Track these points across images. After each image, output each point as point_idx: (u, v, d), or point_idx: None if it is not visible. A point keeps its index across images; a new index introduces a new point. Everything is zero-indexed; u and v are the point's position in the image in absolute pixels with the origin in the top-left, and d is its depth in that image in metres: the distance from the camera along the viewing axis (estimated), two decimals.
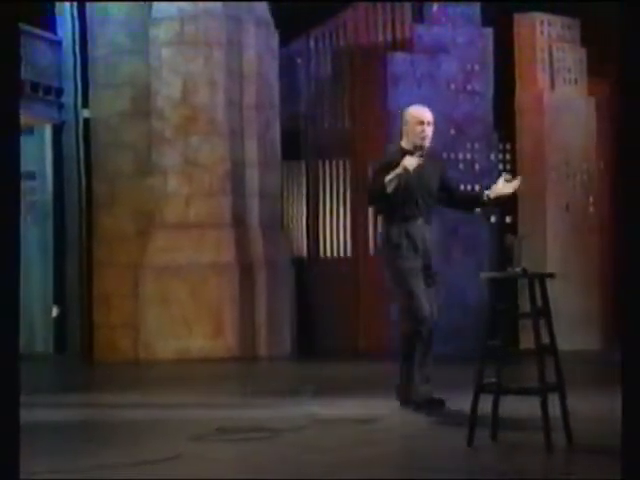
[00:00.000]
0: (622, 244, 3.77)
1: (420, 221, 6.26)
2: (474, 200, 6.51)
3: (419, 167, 6.01)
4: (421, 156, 6.02)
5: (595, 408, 6.12)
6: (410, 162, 5.96)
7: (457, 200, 6.53)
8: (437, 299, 6.34)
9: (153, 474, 4.43)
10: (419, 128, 6.15)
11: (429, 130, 6.18)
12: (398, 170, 5.93)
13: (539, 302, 4.87)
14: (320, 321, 11.43)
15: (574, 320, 10.73)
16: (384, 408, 6.43)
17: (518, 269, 4.91)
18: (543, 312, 4.85)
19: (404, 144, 6.19)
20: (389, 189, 5.94)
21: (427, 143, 6.18)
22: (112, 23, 10.63)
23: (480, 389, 4.85)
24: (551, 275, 4.95)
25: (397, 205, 6.08)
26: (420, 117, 6.18)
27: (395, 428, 5.63)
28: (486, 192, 6.19)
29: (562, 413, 4.87)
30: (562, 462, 4.69)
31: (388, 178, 5.93)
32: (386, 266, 6.25)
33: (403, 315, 6.35)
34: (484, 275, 4.99)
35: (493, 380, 4.89)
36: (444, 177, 6.42)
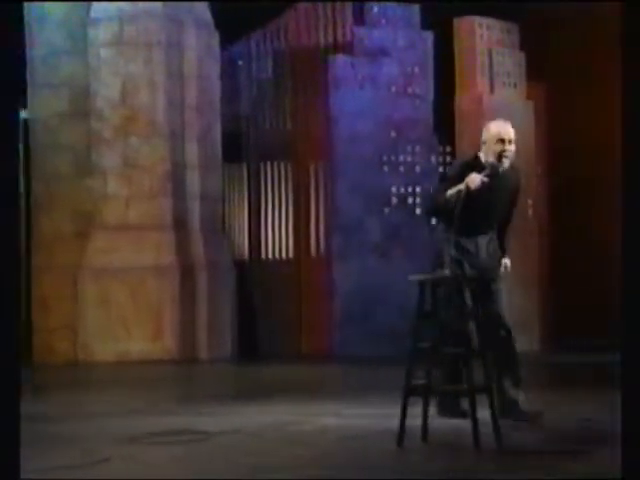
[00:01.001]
0: (622, 245, 3.77)
1: (482, 237, 5.80)
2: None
3: (494, 181, 5.62)
4: (490, 175, 5.58)
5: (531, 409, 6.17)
6: (474, 180, 5.49)
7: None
8: (499, 308, 5.86)
9: (84, 477, 4.41)
10: (499, 147, 5.66)
11: (510, 149, 5.69)
12: (461, 186, 5.51)
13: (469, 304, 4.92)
14: (262, 323, 11.43)
15: (514, 322, 10.78)
16: (319, 410, 6.46)
17: (447, 271, 4.95)
18: (471, 314, 4.89)
19: (481, 157, 5.76)
20: (450, 205, 5.53)
21: (507, 164, 5.69)
22: (50, 23, 10.54)
23: (409, 391, 4.89)
24: (474, 279, 4.99)
25: (459, 219, 5.52)
26: (500, 134, 5.69)
27: (329, 430, 5.65)
28: (503, 261, 5.91)
29: (490, 414, 4.92)
30: (489, 463, 4.73)
31: (450, 193, 5.54)
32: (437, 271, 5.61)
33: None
34: (412, 278, 5.02)
35: (422, 382, 4.93)
36: (516, 193, 5.92)
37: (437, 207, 5.72)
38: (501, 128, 5.75)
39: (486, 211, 5.77)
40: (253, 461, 4.77)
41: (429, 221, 6.14)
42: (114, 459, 4.78)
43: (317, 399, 7.08)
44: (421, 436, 4.98)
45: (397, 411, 4.99)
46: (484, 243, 5.84)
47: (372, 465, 4.66)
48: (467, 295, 4.86)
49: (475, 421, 4.77)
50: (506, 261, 5.96)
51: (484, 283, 5.75)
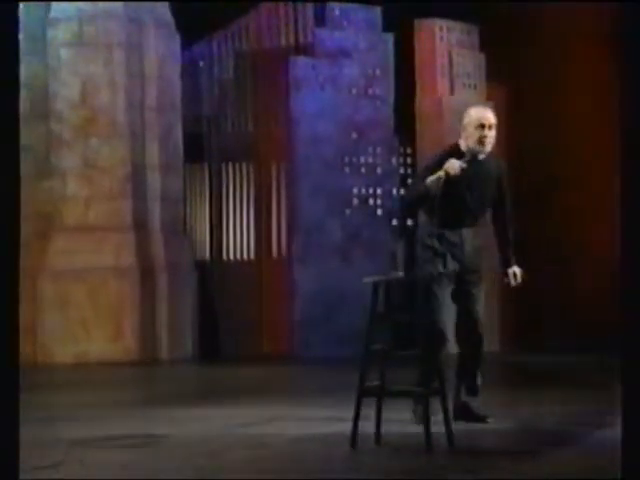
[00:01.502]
0: (621, 245, 3.76)
1: (466, 230, 5.74)
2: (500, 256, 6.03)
3: (475, 168, 5.58)
4: (469, 161, 5.54)
5: (488, 409, 6.21)
6: (453, 166, 5.43)
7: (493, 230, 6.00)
8: (478, 303, 5.88)
9: None
10: (478, 132, 5.61)
11: (491, 134, 5.66)
12: (440, 173, 5.45)
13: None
14: (223, 324, 11.42)
15: None
16: (276, 411, 6.47)
17: (400, 273, 4.97)
18: (423, 315, 4.92)
19: (461, 144, 5.67)
20: (431, 192, 5.50)
21: (488, 149, 5.66)
22: None
23: (363, 392, 4.90)
24: (431, 278, 5.01)
25: (438, 209, 5.57)
26: (480, 120, 5.63)
27: (284, 432, 5.65)
28: (509, 270, 5.93)
29: (443, 415, 4.94)
30: (441, 464, 4.75)
31: (431, 179, 5.48)
32: (420, 274, 5.59)
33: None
34: (366, 279, 5.04)
35: (376, 383, 4.94)
36: (501, 183, 5.84)
37: (418, 196, 5.61)
38: (481, 113, 5.71)
39: (469, 201, 5.68)
40: (204, 463, 4.77)
41: (411, 216, 5.97)
42: (65, 463, 4.76)
43: (275, 401, 7.09)
44: (374, 438, 5.00)
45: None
46: (469, 237, 5.77)
47: (324, 467, 4.67)
48: (430, 295, 4.87)
49: (427, 423, 4.79)
50: (515, 270, 5.92)
51: (464, 281, 5.76)
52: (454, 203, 5.60)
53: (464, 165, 5.49)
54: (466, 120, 5.66)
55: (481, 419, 5.70)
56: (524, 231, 11.85)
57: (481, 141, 5.61)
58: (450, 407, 5.23)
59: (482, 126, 5.62)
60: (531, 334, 11.57)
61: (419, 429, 4.95)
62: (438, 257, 5.66)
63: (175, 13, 10.90)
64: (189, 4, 10.74)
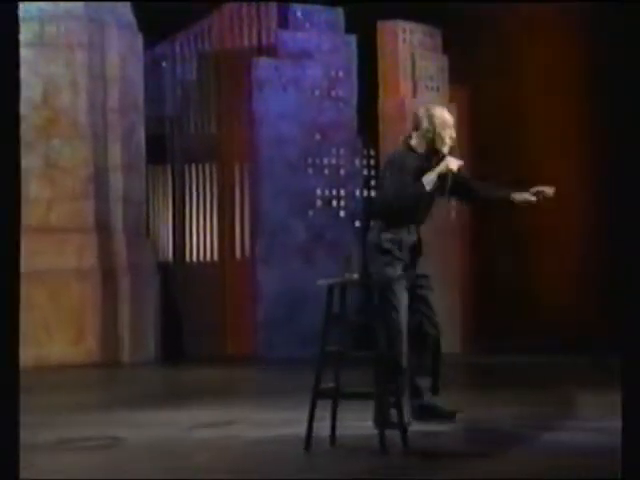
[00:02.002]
0: (620, 245, 3.76)
1: (413, 227, 5.76)
2: (499, 198, 6.06)
3: (430, 165, 5.62)
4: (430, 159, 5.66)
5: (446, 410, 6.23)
6: (453, 163, 5.56)
7: (481, 196, 6.00)
8: (433, 304, 5.92)
9: None
10: (448, 132, 5.67)
11: (454, 134, 5.75)
12: (441, 169, 5.54)
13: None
14: (187, 326, 11.40)
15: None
16: (237, 413, 6.47)
17: (355, 275, 4.99)
18: (378, 317, 4.93)
19: (417, 145, 5.71)
20: (428, 188, 5.55)
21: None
22: None
23: (318, 394, 4.91)
24: (388, 282, 5.02)
25: (400, 209, 5.63)
26: (448, 119, 5.70)
27: (243, 433, 5.66)
28: (513, 195, 5.89)
29: (398, 417, 4.96)
30: (396, 464, 4.77)
31: (430, 177, 5.54)
32: (373, 273, 5.65)
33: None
34: (320, 282, 5.05)
35: (331, 385, 4.95)
36: (457, 177, 5.84)
37: (417, 196, 5.62)
38: (446, 113, 5.75)
39: (427, 199, 5.75)
40: (163, 466, 4.77)
41: (393, 218, 5.87)
42: (21, 467, 4.74)
43: (235, 403, 7.10)
44: (330, 440, 5.01)
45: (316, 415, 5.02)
46: (414, 232, 5.81)
47: (279, 469, 4.68)
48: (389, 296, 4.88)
49: (381, 424, 4.80)
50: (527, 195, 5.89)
51: (419, 284, 5.79)
52: (418, 202, 5.66)
53: (461, 162, 5.60)
54: (435, 121, 5.66)
55: (451, 415, 5.73)
56: (486, 232, 11.95)
57: (449, 140, 5.66)
58: (406, 408, 5.25)
59: (449, 126, 5.69)
60: (493, 335, 11.63)
61: (374, 430, 4.96)
62: (398, 261, 5.71)
63: (137, 13, 10.86)
64: (151, 4, 10.70)
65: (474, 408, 6.51)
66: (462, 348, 11.34)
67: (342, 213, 11.30)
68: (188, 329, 11.36)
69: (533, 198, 5.86)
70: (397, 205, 5.66)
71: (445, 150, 5.71)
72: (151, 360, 10.70)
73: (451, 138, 5.71)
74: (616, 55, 3.78)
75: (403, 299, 5.67)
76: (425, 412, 5.69)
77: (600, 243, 11.54)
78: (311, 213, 11.19)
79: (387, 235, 5.69)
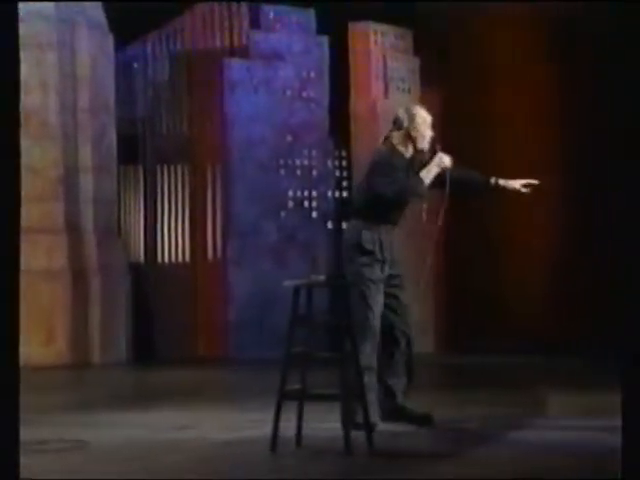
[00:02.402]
0: (620, 247, 3.75)
1: (390, 227, 5.87)
2: (481, 183, 6.06)
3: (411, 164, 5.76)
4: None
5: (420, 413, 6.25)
6: (447, 159, 5.71)
7: (460, 184, 5.98)
8: (406, 305, 5.99)
9: None
10: (429, 131, 5.82)
11: (432, 133, 5.88)
12: (437, 167, 5.67)
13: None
14: (158, 327, 11.37)
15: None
16: (206, 414, 6.46)
17: (321, 277, 4.99)
18: (346, 318, 4.94)
19: (399, 145, 5.80)
20: (426, 184, 5.69)
21: None
22: None
23: (284, 396, 4.91)
24: (351, 284, 5.03)
25: (380, 208, 5.74)
26: (428, 119, 5.84)
27: (209, 435, 5.65)
28: (494, 179, 5.94)
29: (364, 418, 4.96)
30: (362, 466, 4.78)
31: (428, 176, 5.67)
32: (351, 273, 5.66)
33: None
34: (287, 283, 5.05)
35: (297, 387, 4.96)
36: (452, 172, 5.91)
37: (418, 194, 5.77)
38: (425, 113, 5.87)
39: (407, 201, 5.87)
40: (129, 468, 4.76)
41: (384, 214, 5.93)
42: None
43: (204, 404, 7.08)
44: (295, 441, 5.02)
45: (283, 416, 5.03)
46: (391, 232, 5.91)
47: (245, 470, 4.67)
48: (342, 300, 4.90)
49: (347, 425, 4.81)
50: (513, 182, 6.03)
51: (392, 284, 5.85)
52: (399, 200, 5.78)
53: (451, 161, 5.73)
54: (417, 120, 5.78)
55: (423, 419, 5.73)
56: (460, 233, 11.98)
57: (429, 139, 5.78)
58: (372, 409, 5.26)
59: (429, 125, 5.83)
60: (466, 335, 11.66)
61: (340, 431, 4.97)
62: (377, 261, 5.75)
63: (108, 14, 10.83)
64: (122, 4, 10.67)
65: (444, 408, 6.53)
66: (436, 348, 11.38)
67: (314, 214, 11.31)
68: (159, 330, 11.34)
69: (524, 189, 5.99)
70: (395, 203, 5.76)
71: (426, 148, 5.81)
72: (122, 361, 10.66)
73: (430, 137, 5.81)
74: (616, 55, 3.78)
75: (379, 300, 5.72)
76: (396, 414, 5.70)
77: (572, 245, 11.60)
78: (283, 214, 11.19)
79: (367, 235, 5.73)
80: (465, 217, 11.02)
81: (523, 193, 6.00)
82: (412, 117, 5.76)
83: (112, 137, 10.91)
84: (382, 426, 5.54)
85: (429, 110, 11.54)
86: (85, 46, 10.57)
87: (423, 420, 5.72)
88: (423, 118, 5.80)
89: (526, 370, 9.42)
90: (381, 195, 5.69)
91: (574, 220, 11.53)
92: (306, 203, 11.30)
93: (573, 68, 11.40)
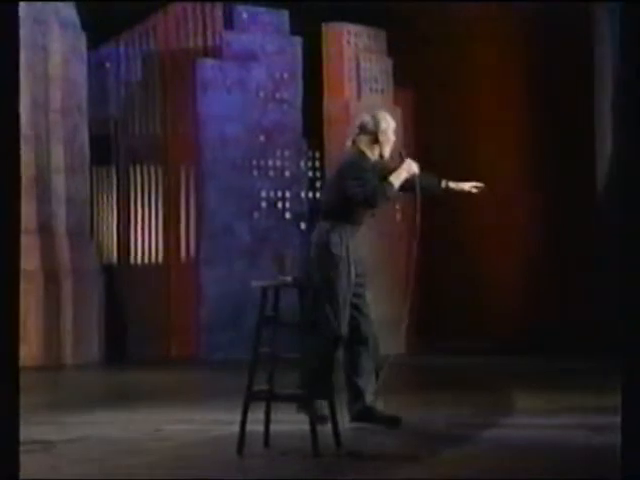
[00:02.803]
0: (621, 248, 3.74)
1: (356, 228, 5.95)
2: (435, 186, 6.16)
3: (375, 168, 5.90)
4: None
5: (389, 411, 6.26)
6: (414, 166, 5.89)
7: (421, 188, 6.06)
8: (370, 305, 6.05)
9: None
10: (394, 136, 5.99)
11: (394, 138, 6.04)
12: (407, 172, 5.82)
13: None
14: (131, 328, 11.34)
15: (382, 325, 10.93)
16: (175, 415, 6.45)
17: (288, 278, 4.99)
18: (313, 320, 4.94)
19: (366, 149, 5.93)
20: (396, 188, 5.83)
21: None
22: None
23: (251, 396, 4.91)
24: (330, 284, 5.03)
25: (350, 211, 5.86)
26: (392, 124, 6.00)
27: (177, 436, 5.64)
28: (445, 182, 6.09)
29: (331, 419, 4.97)
30: (328, 465, 4.78)
31: (398, 180, 5.80)
32: (321, 278, 5.70)
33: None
34: (254, 283, 5.05)
35: (265, 387, 4.95)
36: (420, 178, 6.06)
37: (391, 197, 5.90)
38: (390, 118, 6.00)
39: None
40: (95, 469, 4.75)
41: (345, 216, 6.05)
42: None
43: (173, 405, 7.07)
44: (263, 441, 5.01)
45: (252, 417, 5.03)
46: (358, 235, 5.98)
47: (212, 471, 4.67)
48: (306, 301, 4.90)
49: (313, 426, 4.81)
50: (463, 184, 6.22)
51: (358, 283, 5.89)
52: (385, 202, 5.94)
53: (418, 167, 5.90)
54: (384, 125, 5.91)
55: (391, 421, 5.76)
56: (433, 233, 12.00)
57: (392, 144, 5.94)
58: (340, 409, 5.26)
59: (393, 130, 5.97)
60: (438, 336, 11.69)
61: (307, 432, 4.97)
62: (345, 265, 5.82)
63: (81, 13, 10.78)
64: (95, 4, 10.64)
65: (412, 409, 6.54)
66: (407, 349, 11.39)
67: (287, 215, 11.31)
68: (132, 331, 11.31)
69: (473, 190, 6.14)
70: (365, 206, 5.85)
71: (388, 153, 5.93)
72: (94, 362, 10.63)
73: (393, 142, 5.95)
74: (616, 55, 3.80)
75: (347, 302, 5.78)
76: (365, 415, 5.72)
77: (544, 247, 11.65)
78: (256, 215, 11.18)
79: (336, 238, 5.81)
80: (438, 219, 11.05)
81: (473, 194, 6.17)
82: (378, 122, 5.91)
83: (85, 137, 10.87)
84: (350, 426, 5.55)
85: (402, 111, 11.62)
86: (58, 46, 10.52)
87: (391, 421, 5.74)
88: (388, 123, 5.94)
89: (495, 371, 9.45)
90: (353, 198, 5.79)
91: (548, 223, 11.58)
92: (279, 204, 11.29)
93: (549, 69, 11.45)
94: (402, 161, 5.90)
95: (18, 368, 3.51)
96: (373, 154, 5.90)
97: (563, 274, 11.48)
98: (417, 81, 11.55)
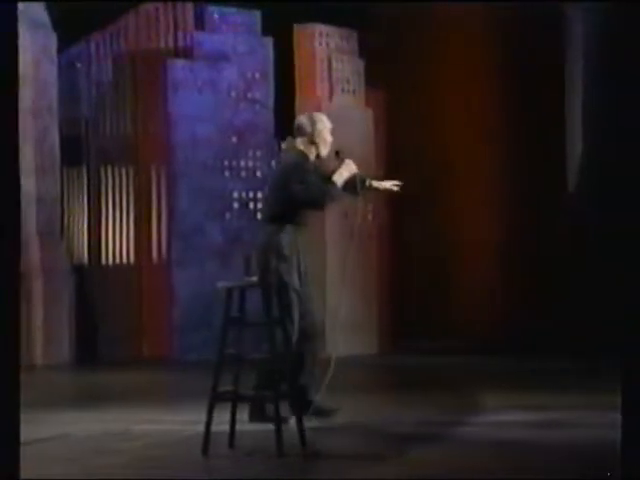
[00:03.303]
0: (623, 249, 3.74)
1: (303, 229, 6.09)
2: (362, 184, 6.29)
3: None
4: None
5: (358, 411, 6.29)
6: (354, 166, 6.02)
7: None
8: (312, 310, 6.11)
9: None
10: (330, 137, 6.11)
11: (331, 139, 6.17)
12: (348, 172, 5.95)
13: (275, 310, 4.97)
14: (102, 329, 11.30)
15: (353, 325, 10.97)
16: (141, 417, 6.44)
17: (254, 278, 4.99)
18: (278, 320, 4.94)
19: (305, 150, 6.06)
20: (339, 187, 5.95)
21: None
22: None
23: (216, 397, 4.91)
24: (284, 285, 5.04)
25: (296, 214, 5.98)
26: (329, 126, 6.13)
27: (143, 437, 5.63)
28: (369, 180, 6.24)
29: (296, 419, 4.97)
30: (294, 466, 4.79)
31: (340, 180, 5.93)
32: (274, 279, 5.80)
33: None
34: (220, 284, 5.05)
35: (230, 388, 4.95)
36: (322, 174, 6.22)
37: (336, 198, 6.01)
38: (326, 120, 6.13)
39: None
40: (60, 470, 4.73)
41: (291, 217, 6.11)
42: None
43: (142, 406, 7.06)
44: (228, 442, 5.01)
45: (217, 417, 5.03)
46: (303, 233, 6.10)
47: (177, 472, 4.66)
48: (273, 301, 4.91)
49: (278, 426, 4.81)
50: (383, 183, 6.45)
51: (303, 283, 5.99)
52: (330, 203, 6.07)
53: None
54: (319, 126, 6.06)
55: (332, 412, 5.89)
56: (405, 233, 12.04)
57: (329, 145, 6.08)
58: (300, 408, 5.27)
59: (329, 132, 6.12)
60: (410, 336, 11.71)
61: (272, 432, 4.97)
62: (295, 266, 5.93)
63: (51, 13, 10.74)
64: (65, 4, 10.59)
65: (380, 408, 6.56)
66: (379, 349, 11.41)
67: (259, 216, 11.29)
68: (103, 332, 11.27)
69: (394, 188, 6.33)
70: (315, 207, 6.00)
71: (325, 154, 6.09)
72: (65, 363, 10.60)
73: (330, 143, 6.10)
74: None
75: (296, 302, 5.89)
76: (307, 410, 5.77)
77: (516, 247, 11.69)
78: (228, 215, 11.17)
79: (285, 239, 5.93)
80: (409, 218, 11.09)
81: (394, 192, 6.39)
82: (314, 124, 6.05)
83: (55, 138, 10.82)
84: (316, 425, 5.56)
85: (374, 111, 11.62)
86: (28, 46, 10.46)
87: (329, 413, 5.88)
88: (324, 125, 6.07)
89: (466, 371, 9.47)
90: (299, 201, 5.91)
91: (519, 223, 11.62)
92: (251, 204, 11.29)
93: (521, 69, 11.49)
94: (340, 161, 6.02)
95: (18, 368, 3.51)
96: (311, 155, 6.04)
97: (535, 274, 11.53)
98: (389, 82, 11.57)
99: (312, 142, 6.01)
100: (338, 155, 6.09)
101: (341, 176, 5.95)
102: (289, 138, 6.26)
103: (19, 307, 3.57)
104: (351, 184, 6.04)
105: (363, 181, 6.24)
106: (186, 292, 10.98)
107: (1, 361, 3.46)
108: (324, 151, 6.04)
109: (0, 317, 3.48)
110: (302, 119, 6.14)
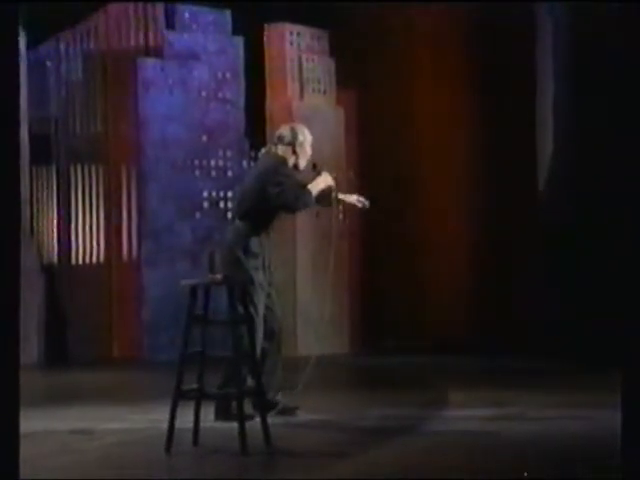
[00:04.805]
0: (621, 249, 3.73)
1: (272, 229, 6.23)
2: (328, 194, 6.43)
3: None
4: None
5: (326, 409, 6.29)
6: (329, 178, 6.20)
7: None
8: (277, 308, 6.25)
9: None
10: (310, 150, 6.25)
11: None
12: (324, 183, 6.13)
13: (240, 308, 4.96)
14: (72, 328, 11.25)
15: (324, 324, 10.97)
16: (106, 415, 6.42)
17: (218, 276, 4.98)
18: (243, 318, 4.94)
19: (289, 157, 6.20)
20: (314, 196, 6.12)
21: None
22: None
23: (179, 395, 4.89)
24: (251, 282, 5.04)
25: (268, 214, 6.10)
26: (310, 139, 6.26)
27: (107, 436, 5.61)
28: (335, 192, 6.34)
29: (260, 417, 4.97)
30: (258, 464, 4.78)
31: (315, 190, 6.10)
32: (242, 277, 5.91)
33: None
34: (184, 282, 5.04)
35: (194, 386, 4.94)
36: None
37: (310, 205, 6.17)
38: (307, 132, 6.25)
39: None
40: (22, 470, 4.69)
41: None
42: None
43: (108, 405, 7.04)
44: (192, 440, 5.00)
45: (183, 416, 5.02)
46: (272, 237, 6.24)
47: (140, 470, 4.65)
48: (237, 299, 4.90)
49: (242, 424, 4.81)
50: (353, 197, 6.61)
51: (268, 282, 6.10)
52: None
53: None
54: (301, 138, 6.21)
55: (294, 410, 5.98)
56: (376, 233, 12.05)
57: (309, 157, 6.22)
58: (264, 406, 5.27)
59: (309, 144, 6.25)
60: (381, 336, 11.73)
61: (236, 430, 4.97)
62: (263, 266, 6.06)
63: (21, 12, 10.68)
64: (35, 2, 10.53)
65: (347, 406, 6.57)
66: (350, 349, 11.42)
67: (229, 215, 11.26)
68: (73, 332, 11.23)
69: (359, 204, 6.50)
70: (288, 210, 6.17)
71: (303, 166, 6.23)
72: (34, 363, 10.54)
73: (310, 155, 6.24)
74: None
75: (263, 301, 6.01)
76: (266, 409, 5.80)
77: (486, 246, 11.72)
78: (198, 215, 11.15)
79: (255, 240, 6.03)
80: (381, 219, 11.10)
81: (359, 207, 6.53)
82: (295, 135, 6.18)
83: (24, 137, 10.75)
84: (279, 422, 5.57)
85: (345, 111, 11.61)
86: None
87: (292, 411, 5.98)
88: (305, 137, 6.20)
89: (435, 370, 9.50)
90: (275, 202, 6.02)
91: (489, 222, 11.65)
92: (221, 204, 11.27)
93: (490, 67, 11.52)
94: (317, 174, 6.17)
95: (18, 368, 3.50)
96: (290, 162, 6.17)
97: (506, 273, 11.56)
98: (359, 81, 11.58)
99: (293, 152, 6.15)
100: (315, 168, 6.24)
101: (317, 186, 6.11)
102: (269, 145, 6.36)
103: (19, 307, 3.57)
104: (326, 196, 6.21)
105: (336, 195, 6.38)
106: (156, 292, 10.95)
107: (1, 361, 3.46)
108: (303, 163, 6.20)
109: (0, 317, 3.47)
110: (284, 130, 6.26)
